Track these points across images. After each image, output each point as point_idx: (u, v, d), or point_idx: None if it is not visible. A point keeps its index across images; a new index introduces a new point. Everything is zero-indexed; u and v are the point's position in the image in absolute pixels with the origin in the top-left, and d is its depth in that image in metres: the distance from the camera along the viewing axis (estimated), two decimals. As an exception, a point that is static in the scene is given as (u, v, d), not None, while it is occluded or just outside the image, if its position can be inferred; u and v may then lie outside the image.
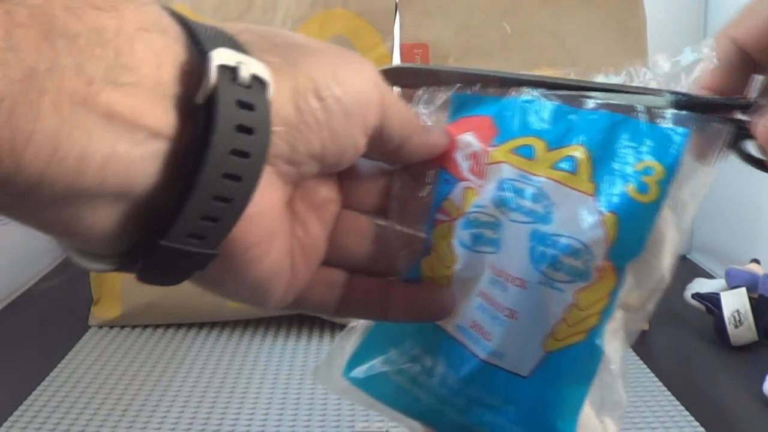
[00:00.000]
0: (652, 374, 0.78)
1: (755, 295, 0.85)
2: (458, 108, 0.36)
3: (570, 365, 0.33)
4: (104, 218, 0.24)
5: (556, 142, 0.34)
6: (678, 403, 0.72)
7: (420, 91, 0.37)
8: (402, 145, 0.32)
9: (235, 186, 0.24)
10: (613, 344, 0.35)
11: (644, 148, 0.33)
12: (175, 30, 0.25)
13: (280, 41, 0.28)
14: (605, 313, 0.34)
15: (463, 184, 0.34)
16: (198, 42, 0.24)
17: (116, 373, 0.77)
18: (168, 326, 0.88)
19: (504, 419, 0.35)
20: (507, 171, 0.33)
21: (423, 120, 0.35)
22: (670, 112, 0.34)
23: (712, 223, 1.16)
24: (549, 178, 0.33)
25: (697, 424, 0.68)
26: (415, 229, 0.35)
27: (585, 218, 0.32)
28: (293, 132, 0.27)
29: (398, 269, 0.35)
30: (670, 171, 0.33)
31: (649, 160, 0.33)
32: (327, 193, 0.32)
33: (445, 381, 0.36)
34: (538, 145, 0.34)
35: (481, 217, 0.34)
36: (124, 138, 0.22)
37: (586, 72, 0.38)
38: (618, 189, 0.32)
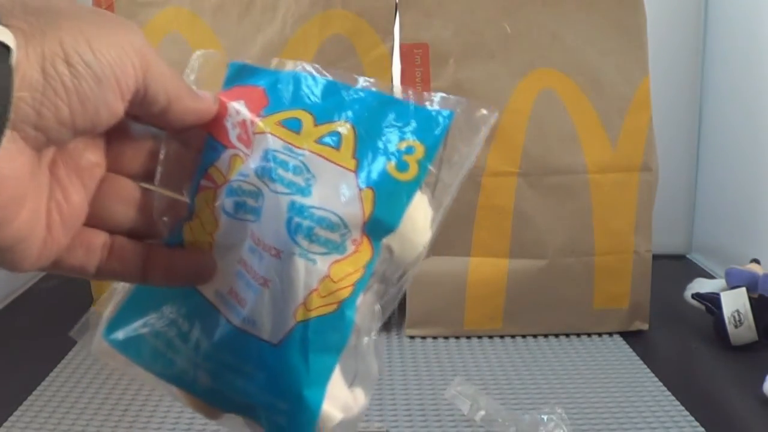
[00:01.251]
0: (652, 374, 0.79)
1: (755, 295, 0.85)
2: (233, 76, 0.37)
3: (320, 335, 0.34)
4: None
5: (323, 117, 0.35)
6: (678, 403, 0.72)
7: (193, 56, 0.37)
8: (167, 108, 0.32)
9: None
10: (367, 316, 0.36)
11: (408, 128, 0.35)
12: None
13: (36, 5, 0.28)
14: (359, 285, 0.34)
15: (230, 151, 0.35)
16: None
17: (116, 373, 0.77)
18: (168, 326, 0.88)
19: (254, 386, 0.35)
20: (272, 142, 0.34)
21: (192, 86, 0.36)
22: (438, 95, 0.36)
23: (712, 223, 1.16)
24: (312, 152, 0.34)
25: (697, 424, 0.68)
26: (178, 194, 0.35)
27: (343, 192, 0.33)
28: (39, 98, 0.27)
29: (160, 233, 0.35)
30: (431, 151, 0.34)
31: (412, 140, 0.35)
32: (91, 156, 0.33)
33: (199, 346, 0.36)
34: (306, 119, 0.35)
35: (244, 185, 0.34)
36: None
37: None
38: (378, 166, 0.34)
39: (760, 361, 0.80)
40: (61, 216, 0.31)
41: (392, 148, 0.34)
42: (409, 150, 0.34)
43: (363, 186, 0.33)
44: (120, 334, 0.38)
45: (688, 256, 1.20)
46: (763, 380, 0.72)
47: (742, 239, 1.06)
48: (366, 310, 0.36)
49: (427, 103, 0.36)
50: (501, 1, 0.85)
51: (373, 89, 0.36)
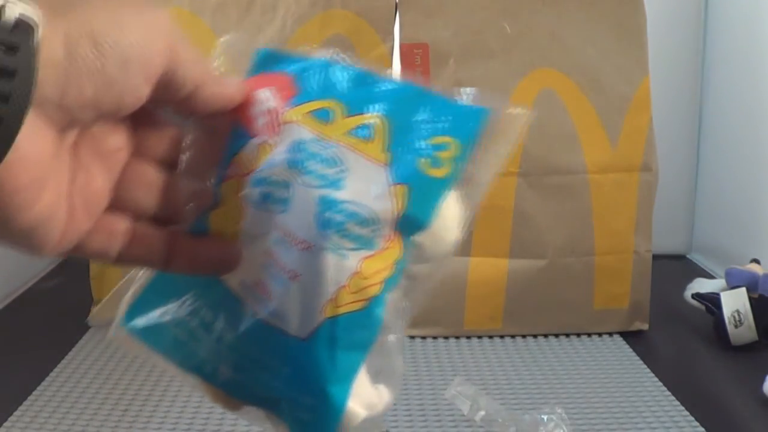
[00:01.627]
0: (652, 374, 0.79)
1: (755, 295, 0.85)
2: (261, 63, 0.36)
3: (348, 332, 0.33)
4: None
5: (355, 108, 0.34)
6: (678, 403, 0.72)
7: (218, 42, 0.36)
8: (193, 94, 0.31)
9: None
10: (394, 314, 0.35)
11: (442, 124, 0.34)
12: None
13: None
14: (388, 283, 0.34)
15: (257, 140, 0.34)
16: None
17: (116, 373, 0.77)
18: (168, 326, 0.88)
19: (278, 380, 0.34)
20: (301, 133, 0.33)
21: (220, 72, 0.35)
22: (472, 90, 0.35)
23: (712, 223, 1.16)
24: (343, 144, 0.33)
25: (697, 424, 0.68)
26: (204, 182, 0.34)
27: (375, 187, 0.32)
28: (63, 77, 0.26)
29: (184, 220, 0.34)
30: (466, 148, 0.33)
31: (446, 136, 0.33)
32: (115, 140, 0.32)
33: (222, 337, 0.35)
34: (337, 110, 0.34)
35: (271, 176, 0.33)
36: None
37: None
38: (411, 161, 0.33)
39: (760, 361, 0.80)
40: (83, 200, 0.30)
41: (425, 143, 0.33)
42: (443, 146, 0.33)
43: (395, 181, 0.32)
44: (139, 322, 0.37)
45: (688, 256, 1.20)
46: (763, 380, 0.72)
47: (742, 239, 1.06)
48: (393, 307, 0.35)
49: (461, 98, 0.34)
50: (501, 1, 0.85)
51: (406, 81, 0.35)
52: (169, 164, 0.34)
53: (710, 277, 1.02)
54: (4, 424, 0.67)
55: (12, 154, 0.25)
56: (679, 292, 0.93)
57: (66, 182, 0.29)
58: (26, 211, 0.27)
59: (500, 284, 0.87)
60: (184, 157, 0.34)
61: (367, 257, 0.33)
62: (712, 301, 0.86)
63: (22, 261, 1.03)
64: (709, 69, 1.15)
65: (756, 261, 0.93)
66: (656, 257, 0.89)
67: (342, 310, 0.33)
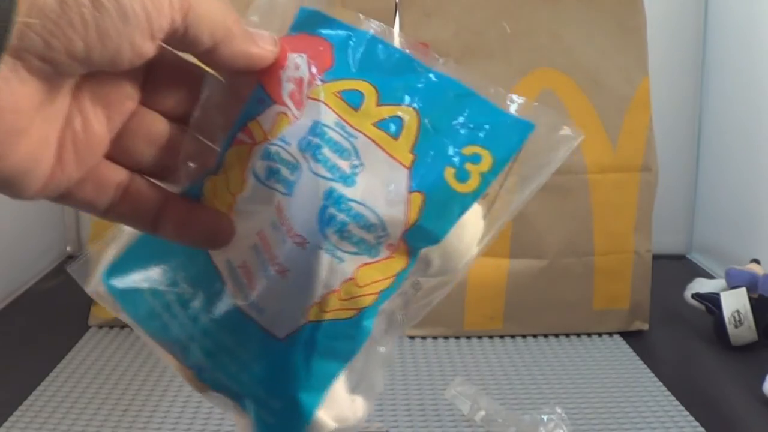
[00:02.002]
0: (652, 374, 0.78)
1: (755, 295, 0.85)
2: (303, 22, 0.33)
3: (330, 340, 0.31)
4: None
5: (389, 97, 0.31)
6: (678, 403, 0.72)
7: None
8: (213, 50, 0.29)
9: None
10: (385, 325, 0.33)
11: (480, 132, 0.30)
12: None
13: None
14: (384, 294, 0.31)
15: (278, 108, 0.30)
16: None
17: (116, 373, 0.77)
18: (168, 326, 0.89)
19: (248, 376, 0.32)
20: (325, 114, 0.30)
21: (251, 27, 0.31)
22: (519, 99, 0.31)
23: (712, 223, 1.16)
24: (367, 136, 0.30)
25: (697, 424, 0.68)
26: (211, 142, 0.31)
27: (390, 190, 0.29)
28: (51, 27, 0.24)
29: (180, 179, 0.32)
30: (500, 164, 0.30)
31: (481, 147, 0.30)
32: (124, 88, 0.30)
33: (197, 318, 0.33)
34: (369, 95, 0.31)
35: (282, 152, 0.30)
36: None
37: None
38: (436, 169, 0.30)
39: (760, 361, 0.80)
40: (75, 146, 0.29)
41: (456, 151, 0.30)
42: (475, 158, 0.30)
43: (414, 188, 0.29)
44: (118, 282, 0.34)
45: (688, 256, 1.20)
46: (763, 380, 0.72)
47: (742, 239, 1.06)
48: (387, 318, 0.33)
49: (508, 105, 0.31)
50: (501, 1, 0.85)
51: (452, 76, 0.32)
52: (180, 118, 0.31)
53: (710, 277, 1.02)
54: (4, 424, 0.67)
55: None
56: (679, 292, 0.93)
57: (57, 129, 0.28)
58: (2, 159, 0.26)
59: (500, 284, 0.87)
60: (197, 114, 0.31)
61: (365, 264, 0.30)
62: (712, 301, 0.86)
63: (22, 261, 1.03)
64: (709, 69, 1.15)
65: (756, 261, 0.93)
66: (656, 257, 0.89)
67: (327, 315, 0.30)
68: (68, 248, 1.16)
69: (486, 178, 0.30)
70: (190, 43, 0.28)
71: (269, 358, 0.32)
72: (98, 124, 0.29)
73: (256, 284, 0.31)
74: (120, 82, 0.29)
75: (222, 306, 0.32)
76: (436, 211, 0.30)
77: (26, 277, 1.03)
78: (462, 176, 0.30)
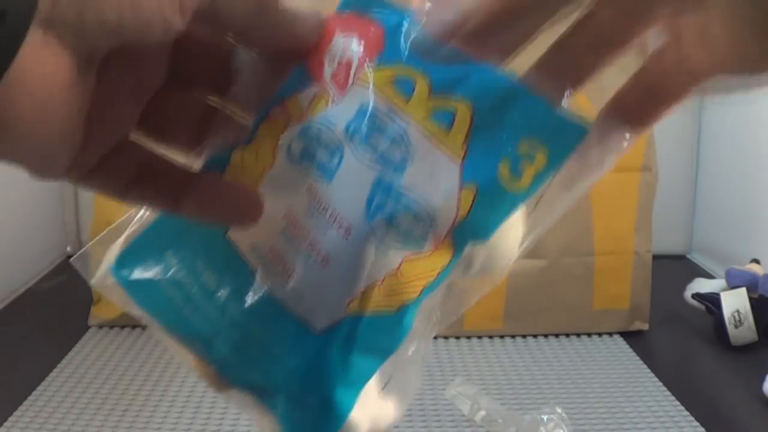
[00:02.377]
0: (652, 374, 0.78)
1: (755, 295, 0.85)
2: (353, 1, 0.31)
3: (370, 335, 0.30)
4: None
5: (442, 87, 0.29)
6: (678, 403, 0.72)
7: None
8: (246, 31, 0.28)
9: None
10: (425, 325, 0.32)
11: (535, 131, 0.29)
12: None
13: None
14: (427, 290, 0.30)
15: (317, 88, 0.30)
16: None
17: (116, 373, 0.77)
18: (168, 326, 0.89)
19: (280, 370, 0.31)
20: (375, 100, 0.29)
21: (298, 6, 0.30)
22: (571, 97, 0.30)
23: (712, 223, 1.16)
24: (418, 127, 0.29)
25: (697, 424, 0.68)
26: (243, 113, 0.30)
27: (441, 182, 0.29)
28: None
29: (206, 152, 0.30)
30: (553, 165, 0.29)
31: (536, 146, 0.29)
32: (153, 63, 0.29)
33: (225, 308, 0.31)
34: (421, 84, 0.29)
35: (324, 134, 0.29)
36: None
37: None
38: (489, 164, 0.29)
39: (760, 361, 0.80)
40: (101, 125, 0.28)
41: (510, 148, 0.29)
42: (529, 157, 0.29)
43: (466, 182, 0.28)
44: (130, 273, 0.32)
45: (688, 256, 1.20)
46: (763, 380, 0.72)
47: (742, 239, 1.06)
48: (425, 316, 0.31)
49: (562, 106, 0.30)
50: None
51: (503, 72, 0.30)
52: (212, 92, 0.30)
53: (710, 277, 1.02)
54: (4, 424, 0.67)
55: (12, 83, 0.23)
56: (679, 292, 0.93)
57: (85, 107, 0.27)
58: (30, 138, 0.25)
59: (500, 285, 0.87)
60: (233, 89, 0.30)
61: (410, 258, 0.29)
62: (712, 301, 0.86)
63: (22, 261, 1.03)
64: (709, 69, 1.15)
65: (756, 261, 0.93)
66: (656, 257, 0.89)
67: (369, 309, 0.29)
68: (68, 248, 1.16)
69: (538, 178, 0.29)
70: (224, 21, 0.27)
71: (305, 351, 0.30)
72: (125, 101, 0.28)
73: (292, 271, 0.30)
74: (147, 61, 0.28)
75: (253, 295, 0.31)
76: (486, 208, 0.29)
77: (26, 277, 1.03)
78: (515, 174, 0.29)
